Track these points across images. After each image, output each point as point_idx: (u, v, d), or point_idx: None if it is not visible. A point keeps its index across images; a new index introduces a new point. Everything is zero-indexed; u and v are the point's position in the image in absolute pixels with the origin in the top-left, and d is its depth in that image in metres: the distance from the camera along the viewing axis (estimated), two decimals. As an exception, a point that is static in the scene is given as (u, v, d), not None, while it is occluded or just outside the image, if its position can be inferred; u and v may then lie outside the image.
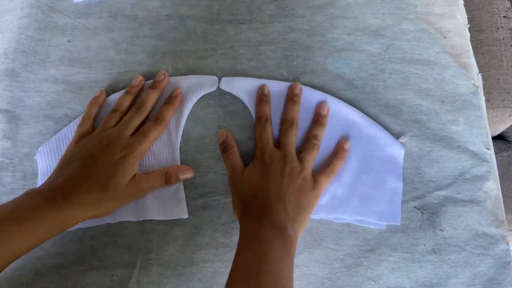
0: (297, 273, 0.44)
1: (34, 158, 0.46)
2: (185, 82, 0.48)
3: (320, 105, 0.47)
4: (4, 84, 0.48)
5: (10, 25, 0.51)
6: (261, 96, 0.47)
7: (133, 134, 0.44)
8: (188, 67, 0.49)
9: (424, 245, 0.45)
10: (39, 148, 0.46)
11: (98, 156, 0.42)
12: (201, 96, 0.48)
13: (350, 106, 0.48)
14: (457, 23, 0.51)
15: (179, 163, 0.46)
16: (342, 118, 0.47)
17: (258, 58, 0.50)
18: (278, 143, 0.45)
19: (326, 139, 0.46)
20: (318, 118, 0.46)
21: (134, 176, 0.43)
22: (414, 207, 0.46)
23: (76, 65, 0.50)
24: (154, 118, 0.45)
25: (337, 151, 0.46)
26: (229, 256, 0.44)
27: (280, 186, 0.41)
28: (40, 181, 0.46)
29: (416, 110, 0.48)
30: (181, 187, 0.45)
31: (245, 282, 0.36)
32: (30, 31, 0.50)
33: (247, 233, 0.40)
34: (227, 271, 0.43)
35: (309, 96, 0.48)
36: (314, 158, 0.45)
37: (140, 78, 0.48)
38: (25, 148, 0.47)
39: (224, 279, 0.43)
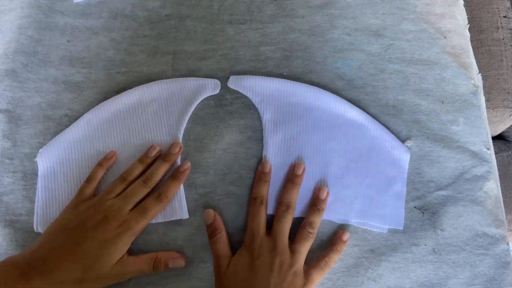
0: (297, 273, 0.44)
1: (35, 160, 0.46)
2: (187, 84, 0.48)
3: (319, 188, 0.44)
4: (4, 84, 0.48)
5: (10, 25, 0.51)
6: (260, 175, 0.44)
7: (133, 207, 0.42)
8: (188, 67, 0.49)
9: (425, 245, 0.45)
10: (39, 150, 0.46)
11: (90, 230, 0.39)
12: (203, 99, 0.48)
13: (357, 107, 0.47)
14: (457, 23, 0.51)
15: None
16: (348, 119, 0.47)
17: (258, 59, 0.50)
18: (271, 227, 0.42)
19: (329, 138, 0.46)
20: (316, 203, 0.43)
21: (122, 257, 0.40)
22: (415, 207, 0.46)
23: (76, 65, 0.50)
24: (157, 194, 0.43)
25: (335, 243, 0.43)
26: (229, 256, 0.44)
27: (268, 284, 0.38)
28: (40, 183, 0.45)
29: (416, 110, 0.48)
30: (181, 187, 0.45)
31: None
32: (30, 31, 0.50)
33: None
34: (227, 271, 0.43)
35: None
36: (307, 249, 0.42)
37: (157, 149, 0.45)
38: (25, 148, 0.47)
39: (224, 279, 0.43)
